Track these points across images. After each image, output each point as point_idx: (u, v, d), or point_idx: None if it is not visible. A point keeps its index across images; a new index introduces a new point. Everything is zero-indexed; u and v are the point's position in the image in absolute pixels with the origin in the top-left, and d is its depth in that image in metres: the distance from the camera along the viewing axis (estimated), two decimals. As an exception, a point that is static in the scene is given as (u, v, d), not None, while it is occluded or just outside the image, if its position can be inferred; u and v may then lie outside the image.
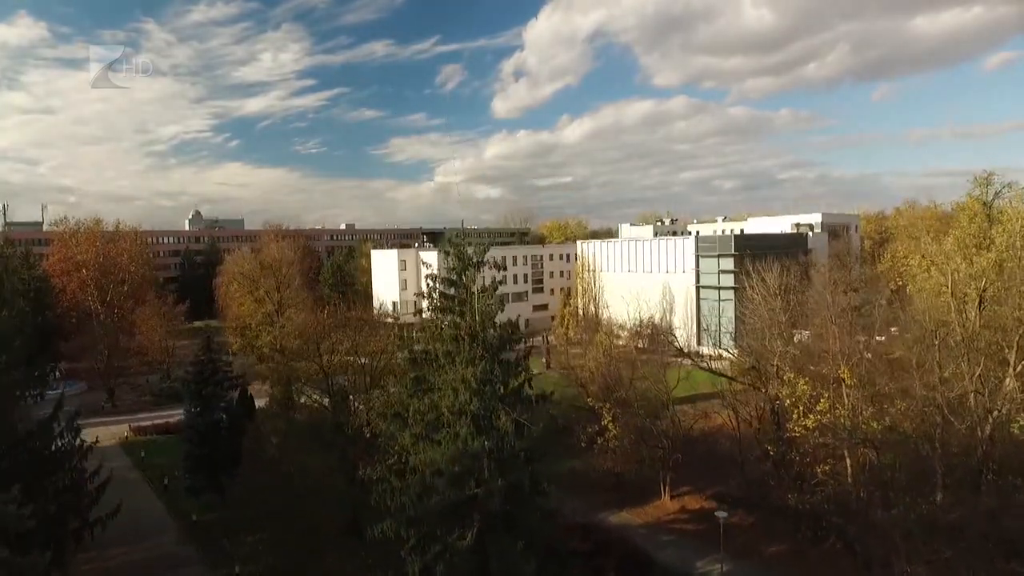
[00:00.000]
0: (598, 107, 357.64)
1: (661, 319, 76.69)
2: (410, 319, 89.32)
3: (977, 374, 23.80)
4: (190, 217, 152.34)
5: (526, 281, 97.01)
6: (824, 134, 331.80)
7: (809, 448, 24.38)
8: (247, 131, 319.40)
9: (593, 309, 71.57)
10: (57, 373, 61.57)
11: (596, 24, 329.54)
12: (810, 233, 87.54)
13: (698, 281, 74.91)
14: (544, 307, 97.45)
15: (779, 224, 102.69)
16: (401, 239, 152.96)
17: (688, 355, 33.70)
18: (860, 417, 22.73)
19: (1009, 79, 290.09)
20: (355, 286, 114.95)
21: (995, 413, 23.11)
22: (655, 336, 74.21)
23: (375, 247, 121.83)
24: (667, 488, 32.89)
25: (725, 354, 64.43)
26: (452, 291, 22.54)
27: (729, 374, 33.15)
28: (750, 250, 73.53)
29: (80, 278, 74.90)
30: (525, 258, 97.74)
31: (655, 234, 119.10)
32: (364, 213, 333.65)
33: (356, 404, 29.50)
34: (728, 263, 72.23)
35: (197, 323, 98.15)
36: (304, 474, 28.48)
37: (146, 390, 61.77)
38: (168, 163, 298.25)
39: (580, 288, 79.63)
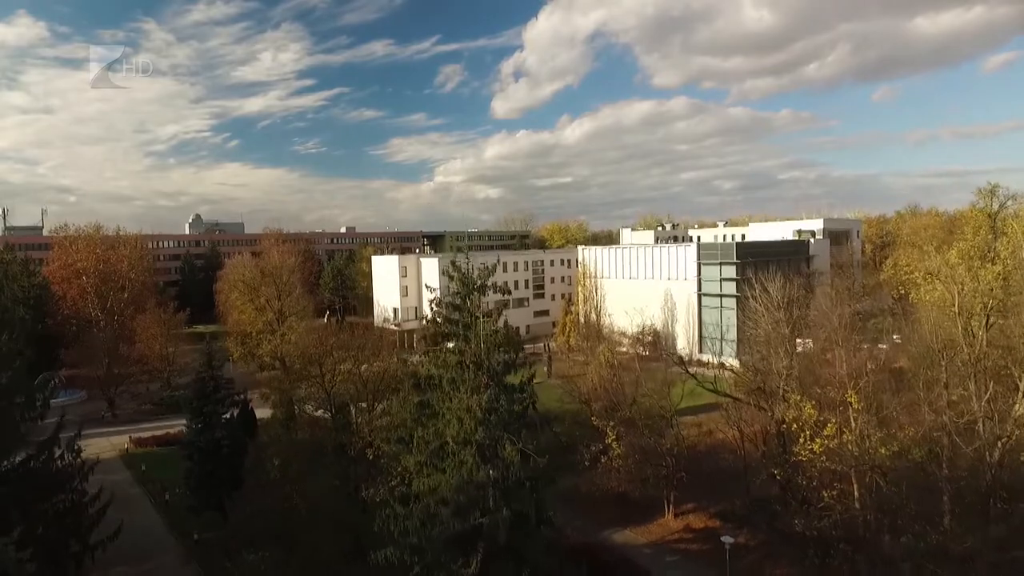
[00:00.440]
0: (598, 107, 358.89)
1: (663, 327, 76.90)
2: (411, 325, 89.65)
3: (986, 399, 23.61)
4: (190, 221, 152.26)
5: (527, 287, 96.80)
6: (824, 134, 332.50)
7: (816, 472, 24.16)
8: (247, 131, 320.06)
9: (595, 317, 71.31)
10: (57, 381, 61.63)
11: (596, 24, 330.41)
12: (812, 240, 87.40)
13: (700, 289, 74.73)
14: (545, 313, 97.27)
15: (780, 230, 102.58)
16: (401, 242, 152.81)
17: (693, 375, 33.35)
18: (868, 443, 22.51)
19: (1009, 79, 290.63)
20: (355, 290, 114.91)
21: (1004, 439, 22.92)
22: (657, 344, 74.51)
23: (375, 250, 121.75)
24: (671, 506, 32.69)
25: (728, 362, 64.88)
26: (456, 315, 22.37)
27: (734, 393, 32.83)
28: (752, 258, 73.44)
29: (80, 285, 74.75)
30: (526, 264, 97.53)
31: (656, 240, 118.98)
32: (364, 213, 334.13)
33: (359, 422, 29.30)
34: (730, 271, 72.07)
35: (198, 327, 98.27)
36: (306, 495, 28.25)
37: (146, 399, 61.52)
38: (167, 163, 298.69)
39: (582, 296, 79.40)
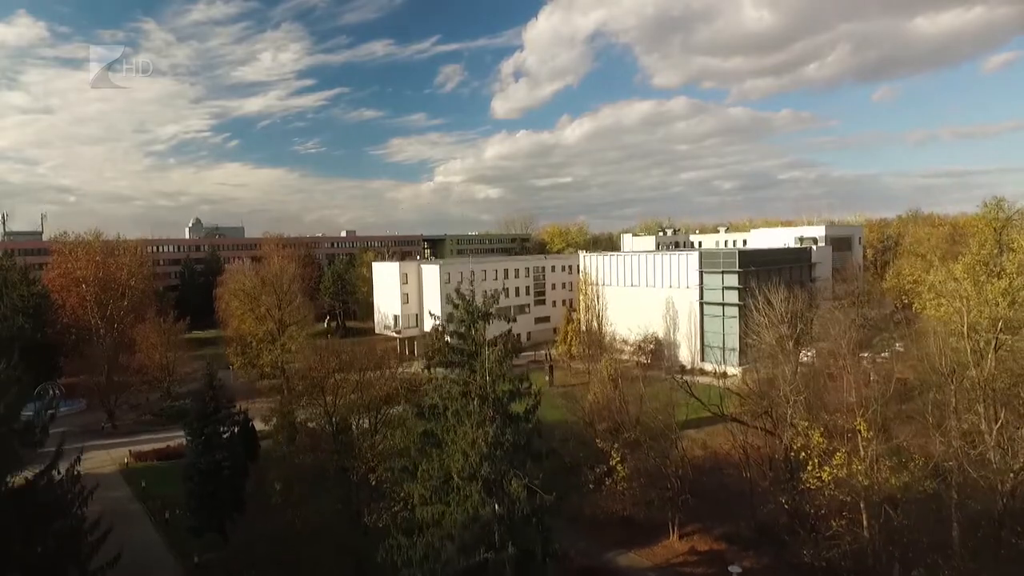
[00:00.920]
0: (598, 107, 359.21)
1: (665, 335, 76.57)
2: (412, 333, 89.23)
3: (997, 428, 23.33)
4: (190, 225, 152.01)
5: (528, 293, 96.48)
6: (824, 134, 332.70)
7: (824, 500, 23.87)
8: (246, 131, 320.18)
9: (596, 326, 70.95)
10: (56, 392, 61.36)
11: (596, 24, 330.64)
12: (814, 247, 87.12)
13: (702, 297, 74.45)
14: (546, 319, 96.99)
15: (782, 236, 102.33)
16: (402, 246, 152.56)
17: (699, 399, 33.03)
18: (877, 474, 22.22)
19: (1009, 79, 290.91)
20: (356, 295, 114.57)
21: (1017, 467, 22.62)
22: (658, 352, 74.19)
23: (375, 255, 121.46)
24: (675, 528, 32.38)
25: (730, 371, 64.62)
26: (460, 343, 22.07)
27: (740, 415, 32.49)
28: (754, 266, 73.17)
29: (79, 293, 74.37)
30: (527, 270, 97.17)
31: (657, 246, 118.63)
32: (364, 213, 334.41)
33: (361, 444, 29.00)
34: (732, 279, 71.79)
35: (197, 332, 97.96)
36: (308, 519, 27.96)
37: (146, 409, 61.18)
38: (167, 163, 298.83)
39: (583, 304, 79.05)
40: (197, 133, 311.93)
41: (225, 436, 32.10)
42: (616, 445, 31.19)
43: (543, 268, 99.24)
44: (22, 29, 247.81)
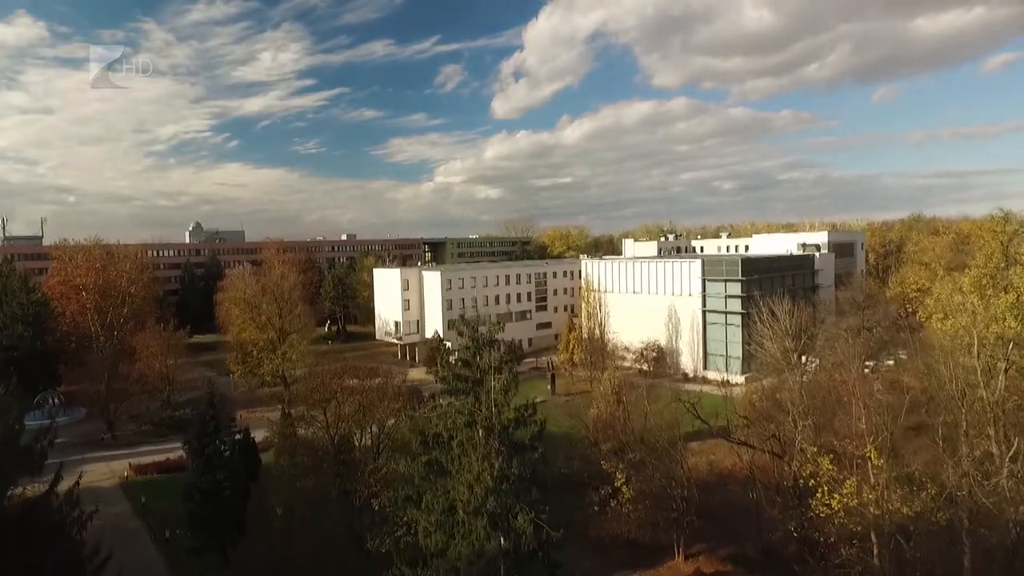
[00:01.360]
0: (598, 108, 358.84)
1: (667, 342, 76.20)
2: (413, 339, 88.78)
3: (1010, 455, 22.96)
4: (190, 229, 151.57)
5: (529, 299, 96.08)
6: (824, 135, 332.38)
7: (833, 528, 23.51)
8: (246, 131, 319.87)
9: (598, 333, 70.54)
10: (56, 401, 60.99)
11: (596, 24, 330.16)
12: (817, 254, 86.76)
13: (704, 305, 74.08)
14: (548, 325, 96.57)
15: (784, 242, 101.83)
16: (402, 250, 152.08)
17: (705, 421, 32.64)
18: (887, 503, 21.86)
19: (1009, 80, 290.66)
20: (356, 299, 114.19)
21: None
22: (661, 360, 73.84)
23: (376, 258, 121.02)
24: (681, 548, 32.03)
25: (733, 379, 64.24)
26: (465, 371, 21.75)
27: (747, 438, 32.11)
28: (757, 274, 72.83)
29: (79, 301, 74.01)
30: (528, 276, 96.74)
31: (659, 251, 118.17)
32: (364, 213, 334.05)
33: (364, 468, 28.65)
34: (735, 288, 71.44)
35: (197, 337, 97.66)
36: (310, 541, 27.61)
37: (146, 419, 60.76)
38: (167, 163, 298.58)
39: (585, 311, 78.64)
40: (197, 133, 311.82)
41: (226, 454, 31.81)
42: (621, 466, 30.83)
43: (545, 274, 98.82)
44: (22, 29, 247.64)
